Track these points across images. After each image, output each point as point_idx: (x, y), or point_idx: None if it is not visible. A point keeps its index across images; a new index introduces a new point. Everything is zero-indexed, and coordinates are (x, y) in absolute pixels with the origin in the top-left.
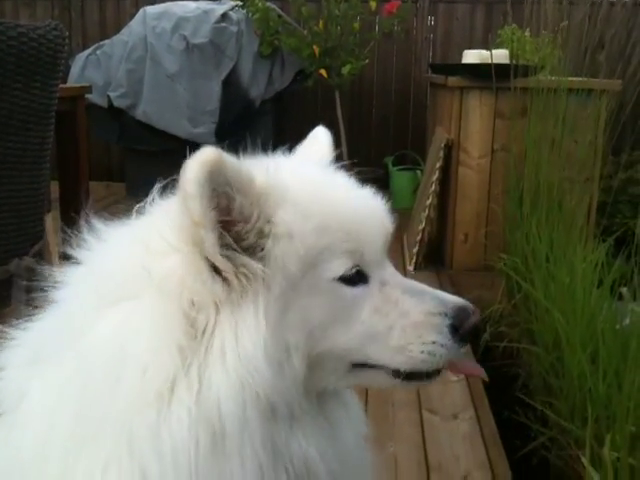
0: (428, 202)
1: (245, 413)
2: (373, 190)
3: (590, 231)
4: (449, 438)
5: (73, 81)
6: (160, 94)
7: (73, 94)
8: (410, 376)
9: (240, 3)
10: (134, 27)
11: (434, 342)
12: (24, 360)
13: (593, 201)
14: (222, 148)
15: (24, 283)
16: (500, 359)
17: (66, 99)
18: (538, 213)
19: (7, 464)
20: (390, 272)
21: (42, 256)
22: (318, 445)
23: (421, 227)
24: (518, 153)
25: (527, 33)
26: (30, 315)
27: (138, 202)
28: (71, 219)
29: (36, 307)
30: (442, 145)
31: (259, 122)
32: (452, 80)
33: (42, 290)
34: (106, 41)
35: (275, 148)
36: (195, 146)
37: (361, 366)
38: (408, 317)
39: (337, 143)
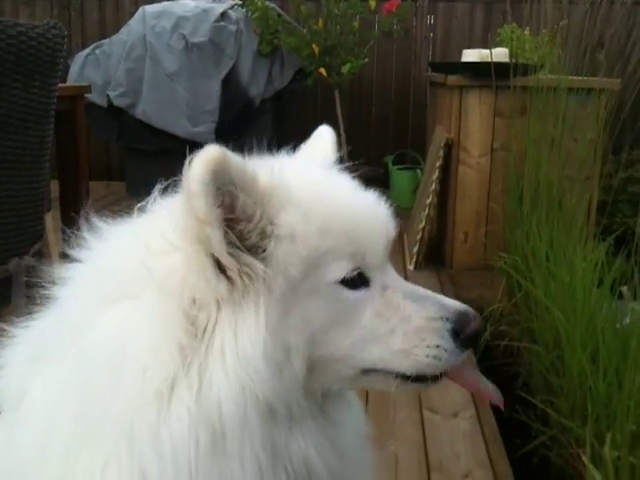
0: (428, 201)
1: (245, 414)
2: (376, 193)
3: (590, 230)
4: (449, 437)
5: (72, 80)
6: (159, 93)
7: (72, 93)
8: (416, 378)
9: (239, 2)
10: (133, 26)
11: (438, 346)
12: (25, 358)
13: (593, 200)
14: (226, 146)
15: (24, 282)
16: (500, 358)
17: (65, 98)
18: (538, 212)
19: (8, 463)
20: (392, 276)
21: (42, 255)
22: (317, 445)
23: (421, 226)
24: (518, 152)
25: (527, 32)
26: (31, 313)
27: (138, 201)
28: (71, 218)
29: (36, 305)
30: (442, 144)
31: (259, 121)
32: (452, 79)
33: (42, 288)
34: (105, 40)
35: (275, 147)
36: (195, 145)
37: (369, 371)
38: (409, 322)
39: (337, 142)
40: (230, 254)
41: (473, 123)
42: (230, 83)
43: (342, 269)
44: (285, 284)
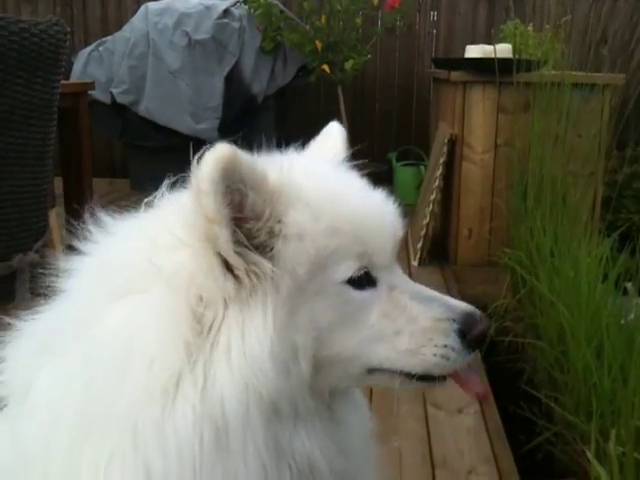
0: (432, 197)
1: (247, 412)
2: (384, 192)
3: (595, 226)
4: (454, 433)
5: (76, 78)
6: (162, 90)
7: (76, 90)
8: (423, 377)
9: None
10: (136, 23)
11: (446, 345)
12: (30, 351)
13: (597, 195)
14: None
15: (28, 278)
16: (505, 354)
17: (69, 95)
18: (542, 208)
19: (13, 456)
20: (399, 276)
21: (46, 251)
22: (322, 444)
23: (425, 222)
24: (522, 148)
25: (530, 28)
26: (35, 307)
27: (143, 197)
28: (77, 211)
29: (41, 300)
30: (445, 140)
31: (261, 118)
32: (455, 75)
33: (47, 282)
34: (108, 37)
35: (278, 144)
36: (198, 142)
37: (376, 370)
38: (416, 323)
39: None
40: (238, 253)
41: (476, 119)
42: (233, 80)
43: (349, 269)
44: (292, 283)
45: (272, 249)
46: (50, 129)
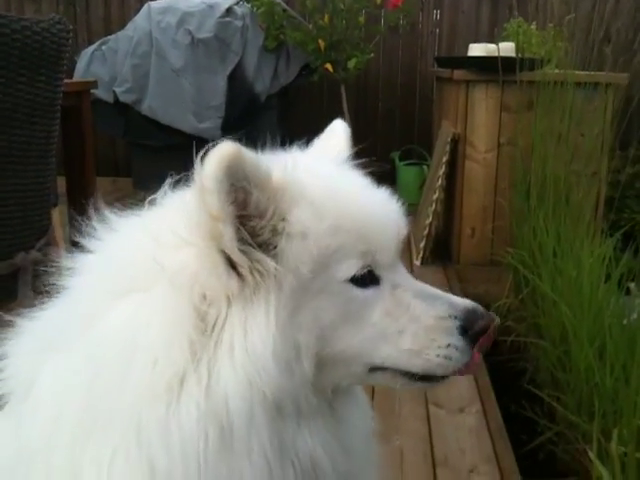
0: (435, 196)
1: (252, 410)
2: (388, 191)
3: (598, 225)
4: (455, 432)
5: (79, 76)
6: (165, 89)
7: (79, 89)
8: (425, 377)
9: None
10: (139, 22)
11: (449, 345)
12: (33, 348)
13: (601, 195)
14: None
15: (30, 276)
16: (507, 353)
17: (72, 94)
18: (545, 207)
19: (16, 451)
20: (402, 275)
21: (48, 250)
22: (324, 442)
23: (428, 221)
24: (525, 147)
25: (533, 26)
26: (38, 304)
27: (146, 197)
28: (81, 208)
29: (44, 297)
30: (448, 139)
31: (264, 117)
32: (458, 73)
33: (51, 279)
34: (111, 36)
35: (281, 143)
36: (201, 141)
37: (378, 368)
38: (419, 322)
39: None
40: (242, 251)
41: (479, 118)
42: (236, 79)
43: (352, 267)
44: (296, 281)
45: (276, 247)
46: (53, 127)
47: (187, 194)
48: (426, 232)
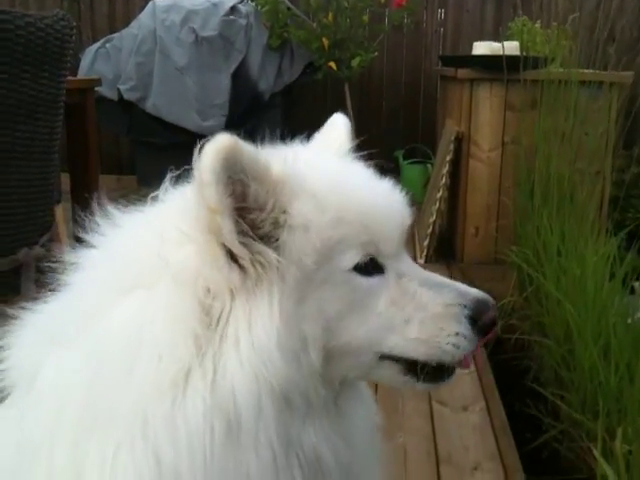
0: (439, 195)
1: (259, 402)
2: (391, 182)
3: (602, 224)
4: (459, 429)
5: (83, 74)
6: (169, 87)
7: (83, 87)
8: (428, 376)
9: None
10: (143, 20)
11: (457, 333)
12: (36, 340)
13: (605, 194)
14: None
15: (33, 272)
16: (511, 352)
17: (76, 92)
18: (549, 206)
19: (19, 444)
20: (407, 264)
21: (52, 245)
22: (328, 436)
23: (432, 220)
24: (529, 145)
25: (537, 25)
26: (42, 298)
27: (150, 194)
28: (85, 203)
29: (47, 292)
30: (452, 138)
31: (268, 115)
32: (462, 72)
33: (54, 275)
34: (116, 34)
35: (284, 141)
36: (206, 139)
37: (386, 357)
38: (426, 310)
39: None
40: (242, 243)
41: (484, 117)
42: (240, 77)
43: (355, 256)
44: (299, 273)
45: (277, 240)
46: (57, 124)
47: (189, 189)
48: (430, 230)
